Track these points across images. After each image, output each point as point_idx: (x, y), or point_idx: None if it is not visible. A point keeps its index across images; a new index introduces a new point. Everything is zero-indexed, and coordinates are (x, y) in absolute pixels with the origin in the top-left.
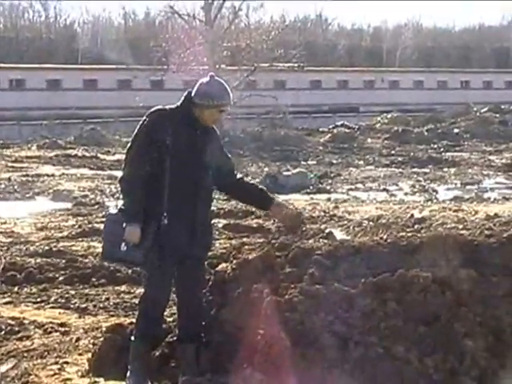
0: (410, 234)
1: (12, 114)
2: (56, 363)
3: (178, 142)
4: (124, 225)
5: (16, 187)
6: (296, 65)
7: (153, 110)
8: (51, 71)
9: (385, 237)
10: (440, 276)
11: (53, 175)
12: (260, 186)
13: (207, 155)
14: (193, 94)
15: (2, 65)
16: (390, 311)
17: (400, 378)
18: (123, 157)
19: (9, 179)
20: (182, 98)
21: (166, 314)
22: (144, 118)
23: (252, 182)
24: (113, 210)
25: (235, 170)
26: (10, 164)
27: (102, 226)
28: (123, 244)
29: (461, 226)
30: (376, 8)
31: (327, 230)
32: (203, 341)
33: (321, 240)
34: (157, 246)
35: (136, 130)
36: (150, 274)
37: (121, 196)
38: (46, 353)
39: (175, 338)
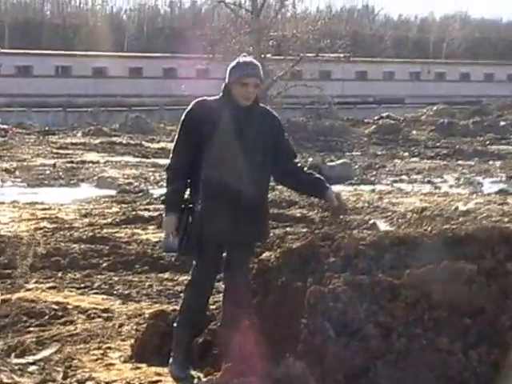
0: (454, 227)
1: (57, 101)
2: (99, 348)
3: (218, 128)
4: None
5: (61, 174)
6: (342, 55)
7: (195, 101)
8: (97, 58)
9: (429, 229)
10: (486, 268)
11: (97, 162)
12: (317, 175)
13: (253, 139)
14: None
15: (49, 51)
16: (434, 302)
17: (444, 369)
18: (167, 145)
19: (54, 165)
20: (222, 86)
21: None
22: (186, 109)
23: (309, 171)
24: None
25: (295, 156)
26: (54, 150)
27: (145, 214)
28: (171, 235)
29: (506, 219)
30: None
31: (371, 221)
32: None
33: (364, 231)
34: (194, 234)
35: (180, 122)
36: (195, 261)
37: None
38: (89, 338)
39: (218, 325)
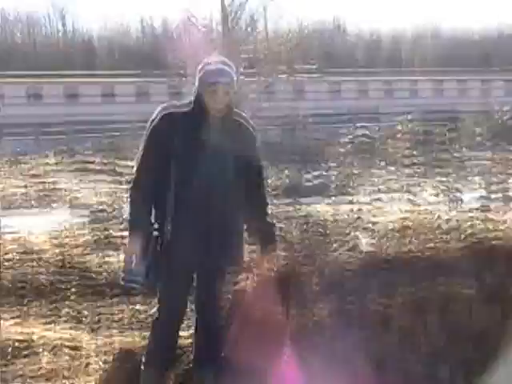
0: (439, 245)
1: (30, 128)
2: None
3: (187, 139)
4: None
5: (33, 198)
6: (315, 74)
7: (160, 107)
8: (69, 84)
9: (413, 248)
10: (485, 289)
11: (70, 183)
12: (270, 233)
13: (227, 156)
14: None
15: (19, 79)
16: (431, 331)
17: None
18: None
19: (25, 190)
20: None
21: (180, 336)
22: (151, 118)
23: (267, 218)
24: None
25: (262, 183)
26: (27, 174)
27: (118, 240)
28: (133, 262)
29: (491, 236)
30: (393, 13)
31: (352, 240)
32: (222, 364)
33: (346, 251)
34: (163, 262)
35: (144, 133)
36: (160, 292)
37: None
38: (53, 374)
39: (192, 363)
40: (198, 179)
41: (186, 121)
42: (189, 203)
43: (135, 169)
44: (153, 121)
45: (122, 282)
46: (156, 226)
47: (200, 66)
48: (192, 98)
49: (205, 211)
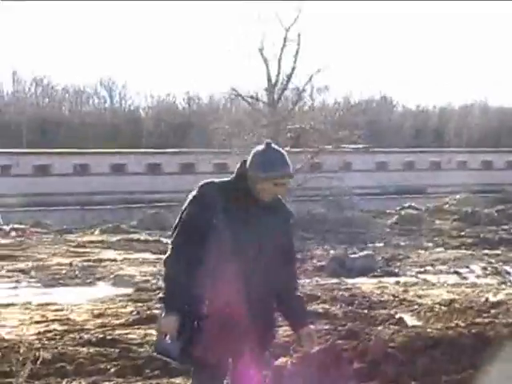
0: (487, 320)
1: (76, 199)
2: None
3: (226, 219)
4: (163, 314)
5: (77, 273)
6: (361, 146)
7: (201, 183)
8: (115, 156)
9: (461, 324)
10: None
11: (115, 260)
12: (302, 306)
13: (265, 235)
14: (247, 165)
15: (66, 150)
16: None
17: None
18: None
19: (70, 264)
20: (236, 170)
21: None
22: (192, 193)
23: (298, 295)
24: None
25: (295, 280)
26: (72, 249)
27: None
28: (168, 336)
29: None
30: (441, 89)
31: (397, 316)
32: None
33: (391, 326)
34: (198, 342)
35: (183, 207)
36: (193, 374)
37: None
38: None
39: None
40: (239, 256)
41: (226, 201)
42: (228, 282)
43: (172, 242)
44: (194, 197)
45: (155, 352)
46: (192, 305)
47: (257, 152)
48: (236, 180)
49: (244, 289)
